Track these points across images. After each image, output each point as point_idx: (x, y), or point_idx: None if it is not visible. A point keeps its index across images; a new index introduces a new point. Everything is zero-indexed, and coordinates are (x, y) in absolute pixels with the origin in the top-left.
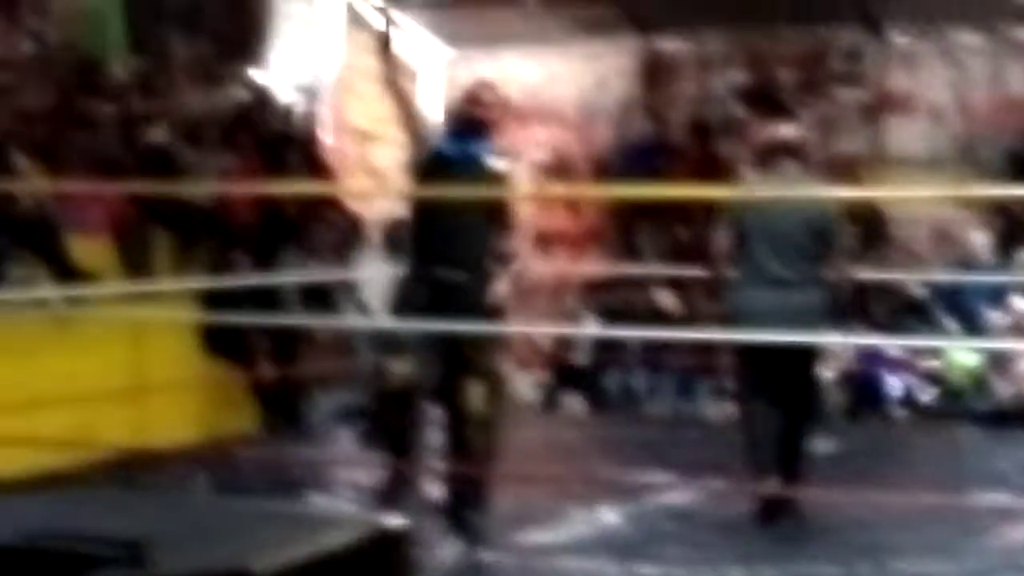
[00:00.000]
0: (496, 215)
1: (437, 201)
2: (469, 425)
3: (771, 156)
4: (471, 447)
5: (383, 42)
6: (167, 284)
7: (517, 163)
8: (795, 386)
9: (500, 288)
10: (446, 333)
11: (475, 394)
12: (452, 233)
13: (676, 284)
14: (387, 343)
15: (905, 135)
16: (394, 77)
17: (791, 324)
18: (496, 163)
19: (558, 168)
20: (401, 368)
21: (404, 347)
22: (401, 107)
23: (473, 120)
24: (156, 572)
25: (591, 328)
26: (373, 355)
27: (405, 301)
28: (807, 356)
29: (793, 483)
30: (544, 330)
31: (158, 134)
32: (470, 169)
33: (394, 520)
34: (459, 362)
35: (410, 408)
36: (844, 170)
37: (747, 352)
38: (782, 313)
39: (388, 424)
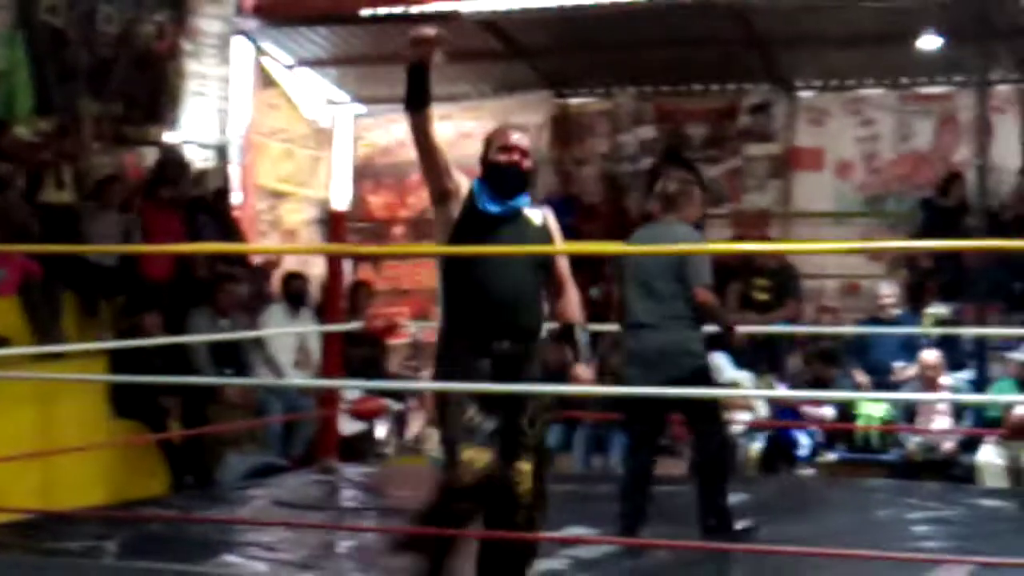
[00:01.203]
0: (546, 274)
1: (483, 261)
2: (518, 510)
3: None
4: (520, 528)
5: (418, 92)
6: (76, 345)
7: (550, 214)
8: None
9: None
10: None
11: (526, 474)
12: (506, 297)
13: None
14: (463, 430)
15: (814, 189)
16: (428, 130)
17: (664, 366)
18: (537, 216)
19: None
20: (480, 458)
21: (481, 434)
22: (432, 163)
23: (510, 170)
24: None
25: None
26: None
27: (464, 379)
28: (694, 404)
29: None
30: (456, 387)
31: (66, 195)
32: (518, 227)
33: None
34: (513, 443)
35: (477, 503)
36: (753, 224)
37: (627, 404)
38: (653, 355)
39: (450, 521)
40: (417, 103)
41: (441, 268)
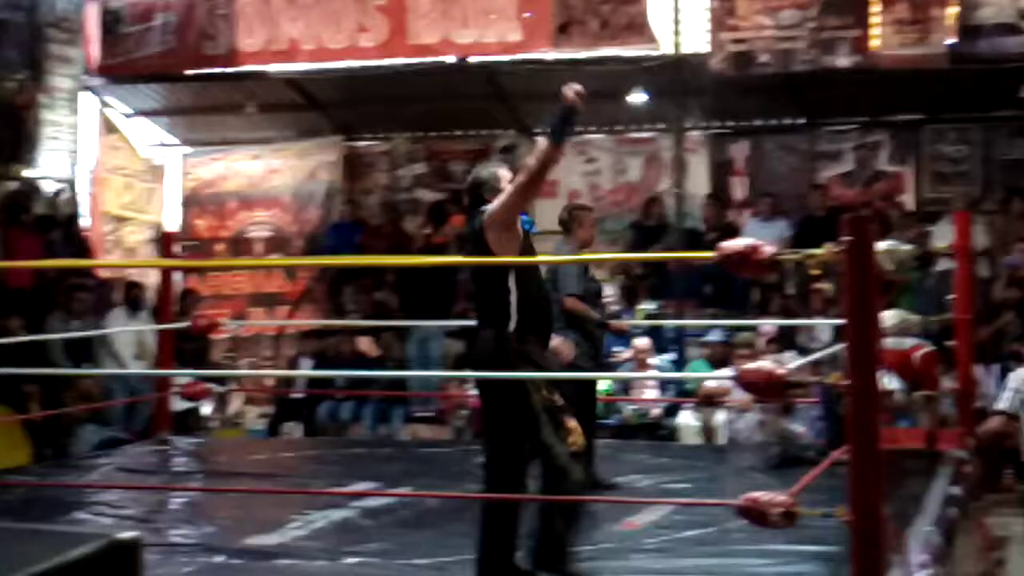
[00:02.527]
0: None
1: (537, 275)
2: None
3: None
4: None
5: (565, 130)
6: None
7: None
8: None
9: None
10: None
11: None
12: (549, 304)
13: (373, 333)
14: (554, 425)
15: (550, 213)
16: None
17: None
18: None
19: (277, 243)
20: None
21: (567, 428)
22: (536, 191)
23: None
24: None
25: (306, 369)
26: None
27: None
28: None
29: None
30: (268, 373)
31: None
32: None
33: (126, 534)
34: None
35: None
36: None
37: None
38: None
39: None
40: (562, 138)
41: (515, 280)
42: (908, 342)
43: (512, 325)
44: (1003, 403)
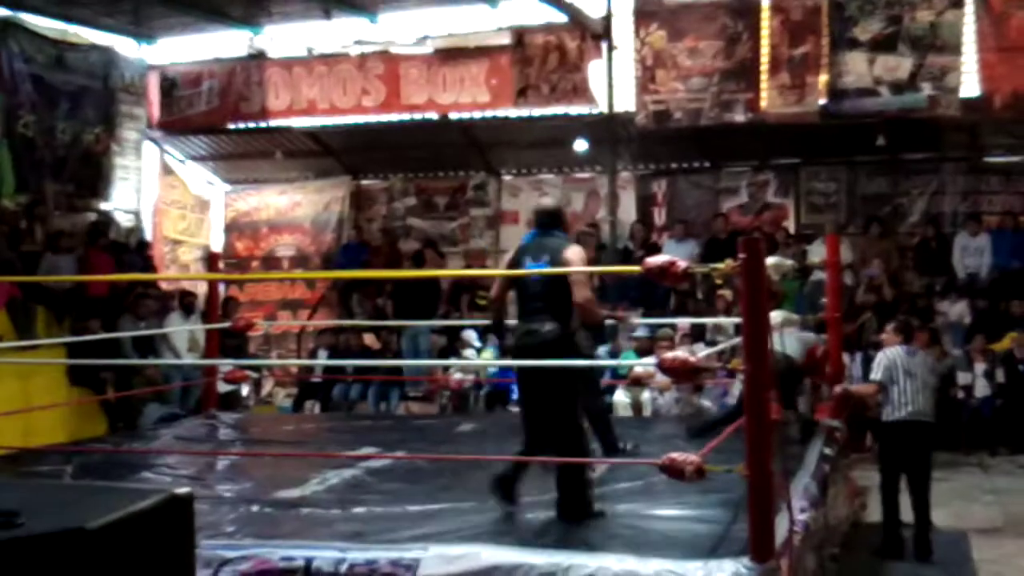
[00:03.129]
0: None
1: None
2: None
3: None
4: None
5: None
6: (45, 340)
7: None
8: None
9: None
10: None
11: None
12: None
13: (375, 330)
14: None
15: (514, 236)
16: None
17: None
18: None
19: (299, 260)
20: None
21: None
22: None
23: None
24: (24, 531)
25: (322, 359)
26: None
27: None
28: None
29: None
30: (293, 362)
31: (38, 245)
32: None
33: (182, 490)
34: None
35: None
36: (476, 258)
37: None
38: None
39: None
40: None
41: (566, 296)
42: (811, 338)
43: (574, 324)
44: (876, 374)
